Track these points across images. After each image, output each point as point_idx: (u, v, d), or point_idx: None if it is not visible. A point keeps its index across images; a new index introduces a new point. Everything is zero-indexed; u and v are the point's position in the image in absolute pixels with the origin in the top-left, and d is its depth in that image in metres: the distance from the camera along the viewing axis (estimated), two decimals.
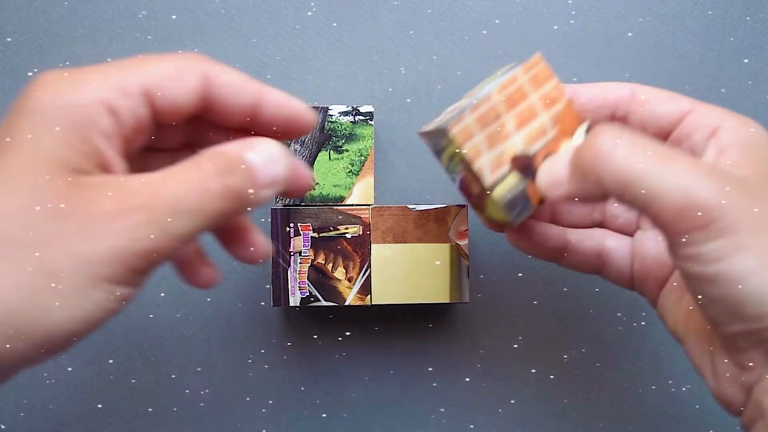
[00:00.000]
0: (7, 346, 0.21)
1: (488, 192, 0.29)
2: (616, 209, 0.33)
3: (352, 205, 0.38)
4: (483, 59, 0.41)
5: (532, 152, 0.29)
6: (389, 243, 0.37)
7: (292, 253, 0.37)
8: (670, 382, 0.41)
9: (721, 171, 0.24)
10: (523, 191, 0.29)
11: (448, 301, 0.37)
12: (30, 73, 0.41)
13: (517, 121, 0.29)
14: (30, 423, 0.40)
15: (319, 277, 0.37)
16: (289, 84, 0.41)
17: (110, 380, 0.40)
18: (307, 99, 0.40)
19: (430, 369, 0.41)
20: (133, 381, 0.40)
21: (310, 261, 0.37)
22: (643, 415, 0.41)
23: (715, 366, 0.26)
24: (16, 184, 0.22)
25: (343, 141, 0.38)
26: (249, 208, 0.24)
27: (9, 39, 0.41)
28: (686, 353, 0.29)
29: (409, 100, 0.41)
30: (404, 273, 0.37)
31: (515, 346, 0.41)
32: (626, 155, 0.23)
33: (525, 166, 0.29)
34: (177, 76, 0.24)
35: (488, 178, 0.29)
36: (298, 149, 0.38)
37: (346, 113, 0.39)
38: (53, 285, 0.21)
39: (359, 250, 0.37)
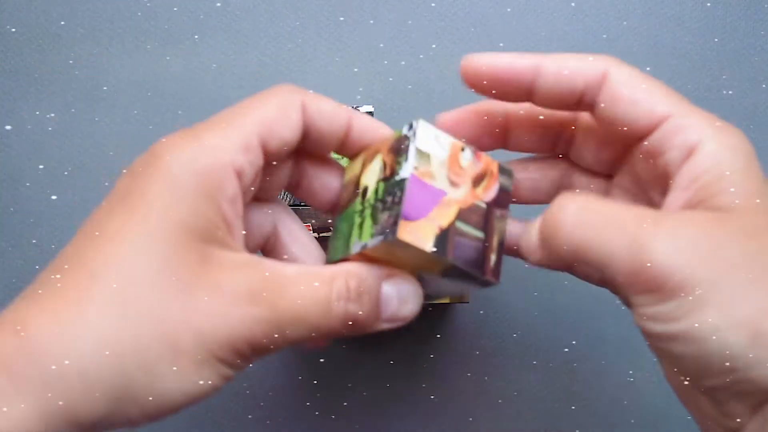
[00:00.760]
0: (115, 407, 0.20)
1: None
2: None
3: None
4: None
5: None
6: None
7: None
8: None
9: (672, 226, 0.22)
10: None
11: (448, 301, 0.37)
12: (29, 73, 0.41)
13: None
14: None
15: None
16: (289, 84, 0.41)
17: None
18: None
19: (430, 368, 0.41)
20: None
21: None
22: (643, 414, 0.41)
23: (700, 408, 0.26)
24: (145, 247, 0.21)
25: None
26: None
27: (9, 39, 0.41)
28: (673, 391, 0.28)
29: (409, 101, 0.41)
30: None
31: (515, 346, 0.41)
32: (575, 224, 0.23)
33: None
34: (283, 116, 0.24)
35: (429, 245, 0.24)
36: None
37: None
38: (173, 356, 0.21)
39: None
